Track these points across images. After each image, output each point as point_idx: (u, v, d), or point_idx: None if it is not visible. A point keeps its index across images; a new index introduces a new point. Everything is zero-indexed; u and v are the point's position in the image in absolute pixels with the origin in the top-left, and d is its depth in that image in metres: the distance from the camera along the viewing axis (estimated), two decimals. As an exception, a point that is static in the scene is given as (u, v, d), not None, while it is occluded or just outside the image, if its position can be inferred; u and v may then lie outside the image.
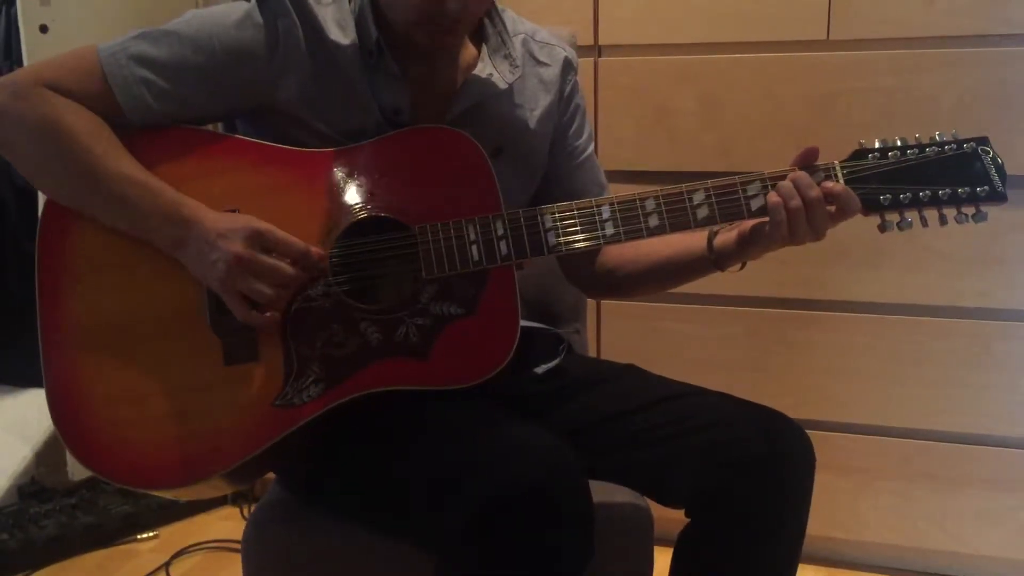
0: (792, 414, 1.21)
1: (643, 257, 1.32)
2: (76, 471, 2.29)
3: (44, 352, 1.13)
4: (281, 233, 1.11)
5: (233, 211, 1.14)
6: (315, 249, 1.12)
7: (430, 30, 1.15)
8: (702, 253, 1.24)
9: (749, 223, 1.18)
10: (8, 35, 2.43)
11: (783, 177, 1.13)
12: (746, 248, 1.19)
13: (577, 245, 1.17)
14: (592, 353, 2.01)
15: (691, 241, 1.26)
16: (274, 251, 1.10)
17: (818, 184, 1.12)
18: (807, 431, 1.20)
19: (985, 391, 1.93)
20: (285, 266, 1.10)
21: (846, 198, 1.11)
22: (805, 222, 1.12)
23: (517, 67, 1.27)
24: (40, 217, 1.16)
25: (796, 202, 1.11)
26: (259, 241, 1.09)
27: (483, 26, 1.28)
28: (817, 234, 1.13)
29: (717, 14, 1.95)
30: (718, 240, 1.23)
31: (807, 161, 1.15)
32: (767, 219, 1.14)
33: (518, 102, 1.30)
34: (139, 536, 2.24)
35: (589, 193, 1.34)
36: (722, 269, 1.24)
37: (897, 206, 1.14)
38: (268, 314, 1.11)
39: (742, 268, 1.23)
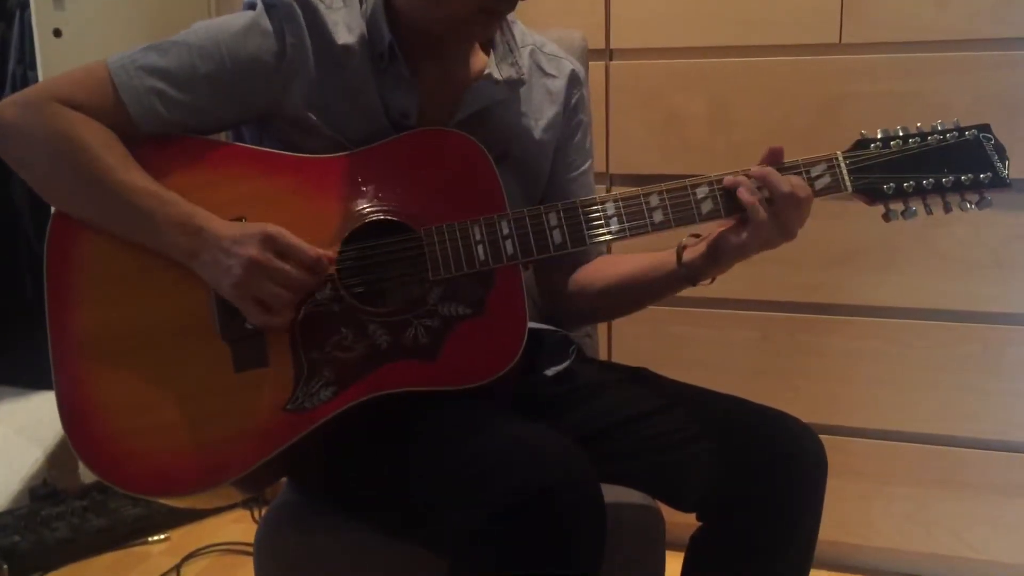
0: (804, 418, 1.20)
1: (611, 267, 1.32)
2: (87, 473, 2.30)
3: (54, 362, 1.13)
4: (293, 238, 1.11)
5: (239, 219, 1.14)
6: (326, 253, 1.13)
7: (483, 21, 1.17)
8: (672, 268, 1.23)
9: (715, 234, 1.17)
10: (22, 39, 2.44)
11: (790, 169, 1.14)
12: (717, 258, 1.17)
13: (583, 243, 1.17)
14: (603, 357, 2.01)
15: (659, 257, 1.25)
16: (286, 256, 1.10)
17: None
18: (819, 435, 1.20)
19: (999, 396, 1.92)
20: (297, 272, 1.10)
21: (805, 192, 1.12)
22: (777, 221, 1.12)
23: (521, 74, 1.27)
24: (48, 226, 1.16)
25: (765, 194, 1.12)
26: (272, 245, 1.10)
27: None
28: (789, 233, 1.13)
29: (728, 18, 1.94)
30: (687, 255, 1.21)
31: (775, 161, 1.16)
32: (733, 225, 1.13)
33: (524, 111, 1.30)
34: (150, 538, 2.25)
35: None
36: (694, 284, 1.23)
37: (901, 195, 1.15)
38: (282, 317, 1.11)
39: (712, 282, 1.22)
